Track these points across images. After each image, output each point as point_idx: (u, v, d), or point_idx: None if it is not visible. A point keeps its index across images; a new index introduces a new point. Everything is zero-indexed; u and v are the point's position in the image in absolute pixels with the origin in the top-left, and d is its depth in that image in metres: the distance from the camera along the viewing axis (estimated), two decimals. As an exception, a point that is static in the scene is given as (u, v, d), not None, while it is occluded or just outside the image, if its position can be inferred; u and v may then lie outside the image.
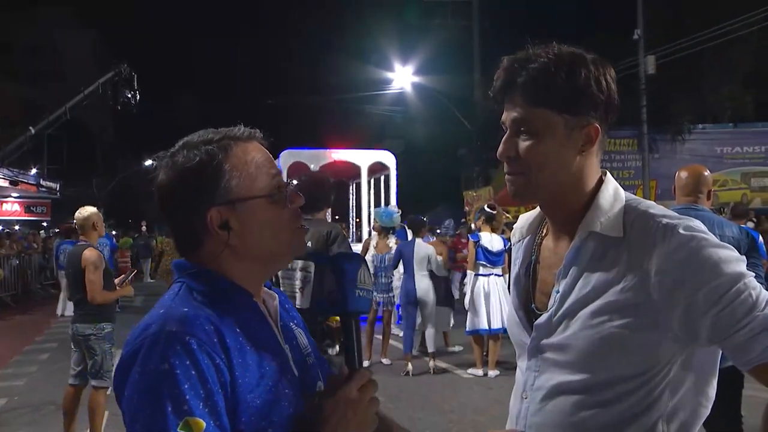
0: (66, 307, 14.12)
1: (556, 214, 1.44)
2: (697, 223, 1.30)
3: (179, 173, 1.19)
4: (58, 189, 21.11)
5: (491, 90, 1.42)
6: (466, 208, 20.49)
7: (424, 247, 8.15)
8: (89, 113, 22.16)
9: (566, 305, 1.36)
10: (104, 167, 33.15)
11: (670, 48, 18.12)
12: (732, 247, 1.28)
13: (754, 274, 1.27)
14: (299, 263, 3.96)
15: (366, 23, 25.93)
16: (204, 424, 1.00)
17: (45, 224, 30.12)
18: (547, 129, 1.34)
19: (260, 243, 1.21)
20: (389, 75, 23.06)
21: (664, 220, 1.29)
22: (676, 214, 1.33)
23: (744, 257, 1.29)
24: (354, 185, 14.78)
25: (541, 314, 1.42)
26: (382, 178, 12.90)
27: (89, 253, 5.21)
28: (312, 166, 11.75)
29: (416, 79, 22.63)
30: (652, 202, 1.39)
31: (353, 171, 12.81)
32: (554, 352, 1.38)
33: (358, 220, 12.11)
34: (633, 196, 1.42)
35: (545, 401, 1.39)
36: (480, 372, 7.82)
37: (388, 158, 12.55)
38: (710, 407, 1.37)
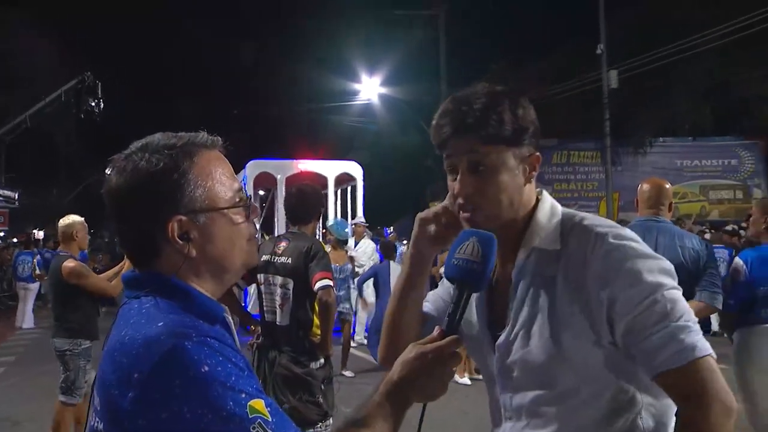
0: (25, 320, 13.78)
1: (504, 237, 1.46)
2: (628, 232, 1.39)
3: (140, 178, 1.11)
4: (16, 198, 20.61)
5: (437, 136, 1.45)
6: (433, 219, 20.56)
7: (398, 270, 8.16)
8: (53, 121, 21.71)
9: (519, 322, 1.44)
10: (67, 175, 32.53)
11: (632, 63, 18.50)
12: (662, 257, 1.36)
13: (677, 287, 1.34)
14: (279, 279, 3.93)
15: (333, 34, 25.98)
16: (263, 401, 0.99)
17: (2, 234, 29.39)
18: (501, 164, 1.41)
19: (219, 255, 1.17)
20: (356, 86, 23.13)
21: (597, 229, 1.39)
22: (610, 223, 1.43)
23: (672, 268, 1.36)
24: (321, 196, 14.71)
25: (500, 335, 1.48)
26: (349, 188, 12.90)
27: (67, 264, 5.06)
28: (278, 177, 11.71)
29: (383, 90, 22.73)
30: (588, 214, 1.49)
31: (320, 182, 12.76)
32: (520, 370, 1.44)
33: (324, 231, 12.06)
34: (570, 210, 1.51)
35: (529, 418, 1.45)
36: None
37: (355, 169, 12.56)
38: None
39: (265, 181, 12.12)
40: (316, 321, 3.90)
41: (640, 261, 1.32)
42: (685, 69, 19.12)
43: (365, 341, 10.01)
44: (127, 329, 1.05)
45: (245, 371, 1.02)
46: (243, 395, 0.98)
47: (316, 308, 3.89)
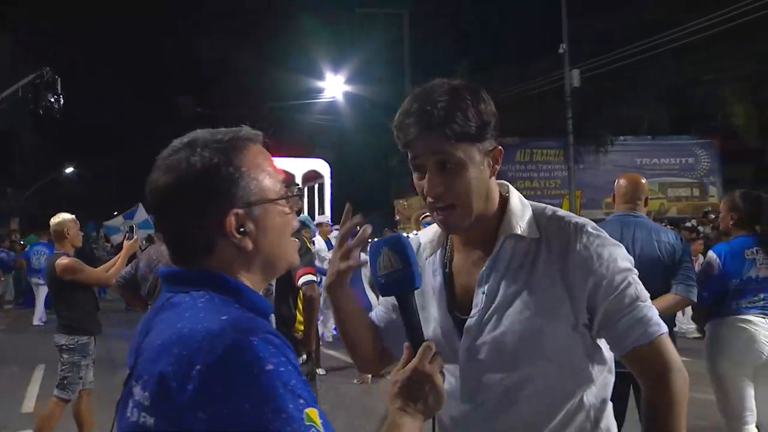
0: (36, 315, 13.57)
1: (473, 229, 1.52)
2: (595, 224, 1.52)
3: (194, 174, 1.10)
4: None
5: (402, 136, 1.46)
6: (397, 217, 20.63)
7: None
8: (11, 117, 21.13)
9: (495, 304, 1.49)
10: (23, 175, 31.68)
11: (593, 63, 18.82)
12: (621, 245, 1.51)
13: (636, 272, 1.49)
14: None
15: (298, 32, 25.80)
16: (317, 411, 0.99)
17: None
18: (468, 160, 1.44)
19: (271, 248, 1.17)
20: (321, 84, 23.04)
21: (574, 220, 1.51)
22: (575, 215, 1.55)
23: (630, 256, 1.51)
24: (288, 194, 14.61)
25: (467, 318, 1.52)
26: (316, 186, 12.86)
27: (61, 261, 5.08)
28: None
29: (348, 88, 22.69)
30: (554, 207, 1.59)
31: (287, 179, 12.65)
32: (490, 351, 1.49)
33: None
34: (534, 202, 1.59)
35: (491, 399, 1.50)
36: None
37: (322, 166, 12.56)
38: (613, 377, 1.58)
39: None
40: (299, 317, 3.88)
41: (615, 249, 1.47)
42: (645, 69, 19.53)
43: (331, 339, 9.99)
44: (183, 322, 1.03)
45: (302, 376, 1.02)
46: (301, 401, 0.97)
47: (299, 304, 3.87)
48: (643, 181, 4.08)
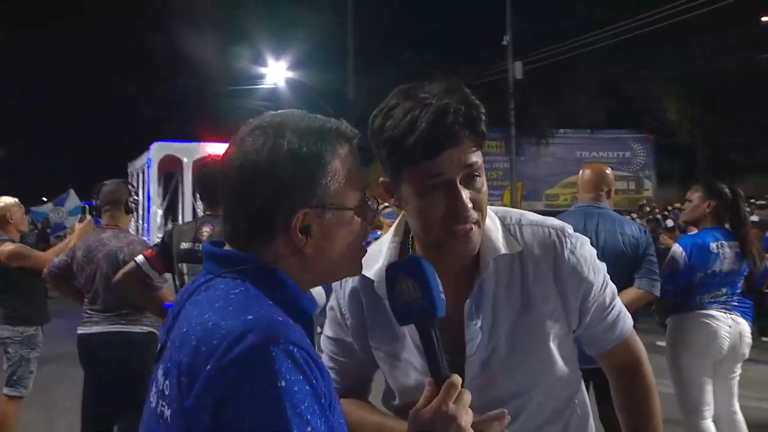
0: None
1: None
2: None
3: (280, 159, 1.02)
4: None
5: (423, 148, 1.19)
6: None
7: None
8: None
9: (496, 336, 1.34)
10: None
11: (535, 56, 19.00)
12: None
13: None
14: None
15: (239, 16, 25.15)
16: None
17: None
18: (483, 167, 1.27)
19: (333, 257, 1.09)
20: (263, 70, 22.54)
21: (547, 224, 1.40)
22: (542, 217, 1.43)
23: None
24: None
25: (461, 357, 1.34)
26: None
27: (5, 249, 4.71)
28: (185, 160, 11.16)
29: (290, 74, 22.29)
30: (511, 209, 1.46)
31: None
32: (500, 385, 1.35)
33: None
34: (490, 207, 1.37)
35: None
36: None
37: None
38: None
39: (171, 164, 11.52)
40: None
41: (591, 248, 1.42)
42: (584, 64, 19.87)
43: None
44: (211, 314, 0.96)
45: (321, 399, 0.93)
46: (309, 428, 0.89)
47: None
48: (608, 171, 3.97)
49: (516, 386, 1.36)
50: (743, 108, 23.66)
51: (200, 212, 12.56)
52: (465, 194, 1.23)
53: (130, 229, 4.56)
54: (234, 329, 0.91)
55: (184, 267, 3.59)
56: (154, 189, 11.25)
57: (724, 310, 3.89)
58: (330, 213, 1.05)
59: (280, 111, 1.11)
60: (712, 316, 3.88)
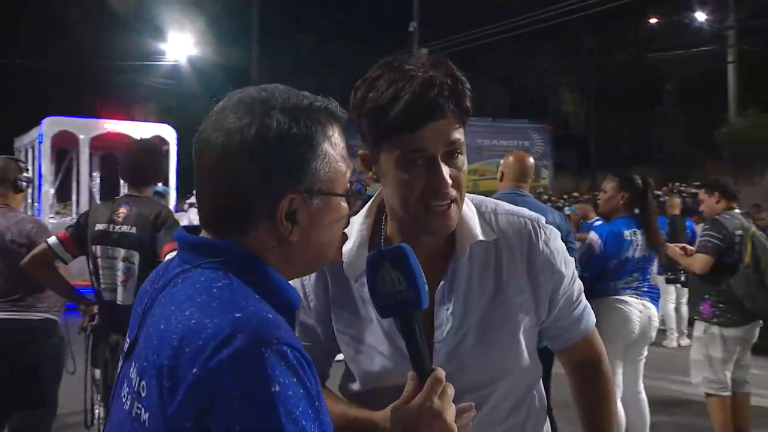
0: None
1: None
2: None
3: (265, 139, 0.93)
4: None
5: (407, 119, 1.16)
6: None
7: None
8: None
9: (466, 322, 1.31)
10: None
11: (439, 44, 19.23)
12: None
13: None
14: (121, 252, 3.30)
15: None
16: None
17: None
18: (464, 146, 1.25)
19: (318, 245, 1.02)
20: (164, 46, 21.60)
21: (521, 213, 1.37)
22: (517, 207, 1.40)
23: None
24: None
25: (431, 342, 1.30)
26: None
27: None
28: (81, 137, 10.54)
29: (193, 52, 21.52)
30: (485, 197, 1.43)
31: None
32: (468, 374, 1.31)
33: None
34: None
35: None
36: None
37: (168, 132, 11.53)
38: None
39: (65, 140, 10.82)
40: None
41: (560, 240, 1.40)
42: (488, 53, 20.36)
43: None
44: (193, 310, 0.88)
45: (315, 401, 0.87)
46: None
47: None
48: (531, 160, 4.06)
49: (482, 376, 1.33)
50: (632, 103, 25.09)
51: (96, 192, 11.97)
52: (446, 171, 1.20)
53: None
54: (221, 329, 0.84)
55: (98, 249, 3.36)
56: (47, 167, 10.52)
57: (635, 296, 4.07)
58: (318, 199, 0.98)
59: (263, 85, 1.01)
60: (625, 302, 4.05)
